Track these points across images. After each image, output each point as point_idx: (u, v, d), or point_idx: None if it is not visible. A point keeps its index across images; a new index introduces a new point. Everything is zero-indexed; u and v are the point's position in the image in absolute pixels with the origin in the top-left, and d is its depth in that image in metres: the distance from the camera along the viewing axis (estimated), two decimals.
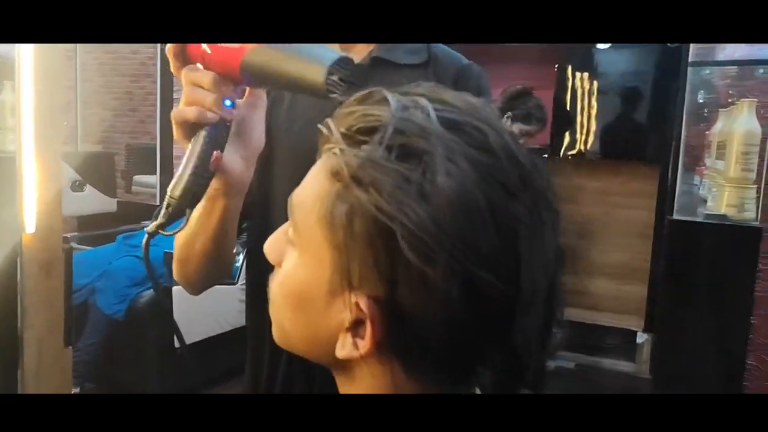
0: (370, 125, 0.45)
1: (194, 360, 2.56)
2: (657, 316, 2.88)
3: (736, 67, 2.11)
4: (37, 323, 1.23)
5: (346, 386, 0.53)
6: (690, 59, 1.78)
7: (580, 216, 3.24)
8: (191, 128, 0.74)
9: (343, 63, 0.65)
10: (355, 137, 0.45)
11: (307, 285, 0.49)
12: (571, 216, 3.29)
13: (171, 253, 2.68)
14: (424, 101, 0.47)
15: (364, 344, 0.45)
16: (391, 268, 0.43)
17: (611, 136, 3.21)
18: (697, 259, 1.75)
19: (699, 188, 2.34)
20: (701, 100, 2.22)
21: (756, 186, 1.81)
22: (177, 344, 1.18)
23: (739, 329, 1.76)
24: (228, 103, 0.75)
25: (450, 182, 0.41)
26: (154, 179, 4.48)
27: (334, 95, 0.65)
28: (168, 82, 4.34)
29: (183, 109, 0.74)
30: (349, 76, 0.66)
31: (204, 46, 0.72)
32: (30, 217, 1.16)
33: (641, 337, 3.15)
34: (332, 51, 0.67)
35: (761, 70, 1.88)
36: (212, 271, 0.95)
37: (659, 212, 3.00)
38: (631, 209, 3.24)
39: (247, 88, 0.78)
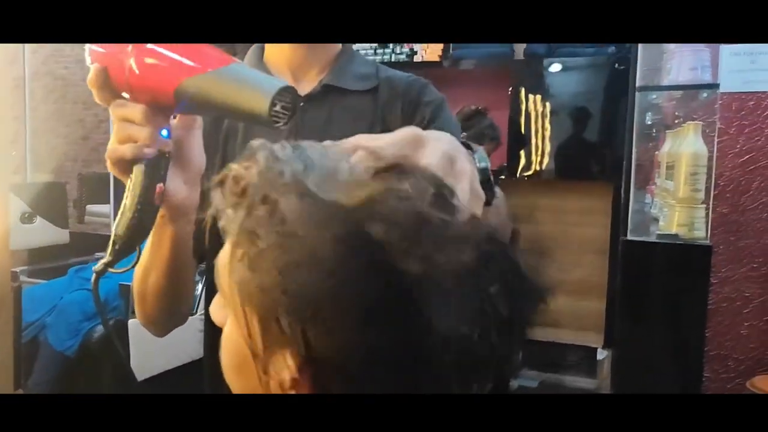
0: (240, 188, 0.44)
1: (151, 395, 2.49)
2: (616, 333, 2.94)
3: (680, 90, 2.19)
4: None
5: None
6: (637, 84, 1.84)
7: (538, 235, 3.29)
8: (128, 165, 0.73)
9: (286, 91, 0.65)
10: (233, 199, 0.44)
11: (237, 351, 0.47)
12: (530, 235, 3.35)
13: (127, 286, 2.64)
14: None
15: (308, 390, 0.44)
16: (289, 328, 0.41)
17: (565, 156, 3.28)
18: (652, 278, 1.80)
19: (651, 207, 2.41)
20: (649, 122, 2.29)
21: (705, 205, 1.87)
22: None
23: (695, 342, 1.80)
24: (164, 133, 0.73)
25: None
26: (107, 208, 4.38)
27: (278, 125, 0.65)
28: None
29: (117, 148, 0.72)
30: (292, 105, 0.66)
31: (132, 65, 0.69)
32: None
33: (601, 354, 3.20)
34: (273, 79, 0.67)
35: (705, 94, 1.95)
36: (172, 309, 0.92)
37: (614, 229, 3.07)
38: (586, 227, 3.30)
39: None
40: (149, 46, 0.68)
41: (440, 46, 3.33)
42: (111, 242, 0.74)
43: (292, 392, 0.45)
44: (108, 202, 4.32)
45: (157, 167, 0.74)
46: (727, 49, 3.06)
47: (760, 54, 3.06)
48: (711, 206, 2.03)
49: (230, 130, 1.02)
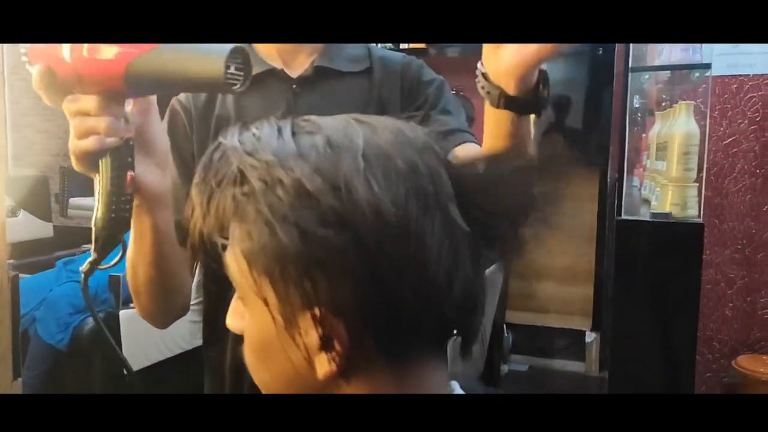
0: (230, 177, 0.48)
1: (144, 386, 2.48)
2: (605, 315, 2.98)
3: (668, 72, 2.21)
4: None
5: None
6: (630, 65, 1.87)
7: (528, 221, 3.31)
8: (93, 158, 0.71)
9: (237, 52, 0.65)
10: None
11: (266, 328, 0.49)
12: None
13: (116, 277, 2.60)
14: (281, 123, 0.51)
15: (338, 346, 0.46)
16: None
17: (552, 143, 3.31)
18: (646, 256, 1.83)
19: (641, 189, 2.44)
20: (636, 105, 2.31)
21: (696, 184, 1.90)
22: (125, 371, 1.16)
23: (689, 320, 1.84)
24: (122, 121, 0.72)
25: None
26: (91, 201, 4.34)
27: (235, 87, 0.66)
28: None
29: (78, 143, 0.71)
30: (245, 66, 0.66)
31: (77, 56, 0.68)
32: None
33: (589, 336, 3.24)
34: (221, 45, 0.66)
35: (696, 74, 1.98)
36: (167, 301, 0.91)
37: (601, 215, 3.10)
38: (574, 213, 3.33)
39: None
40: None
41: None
42: (93, 239, 0.74)
43: (324, 356, 0.47)
44: (92, 195, 4.29)
45: (122, 156, 0.73)
46: None
47: None
48: (704, 185, 2.06)
49: (221, 118, 0.99)
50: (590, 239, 3.29)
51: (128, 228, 0.76)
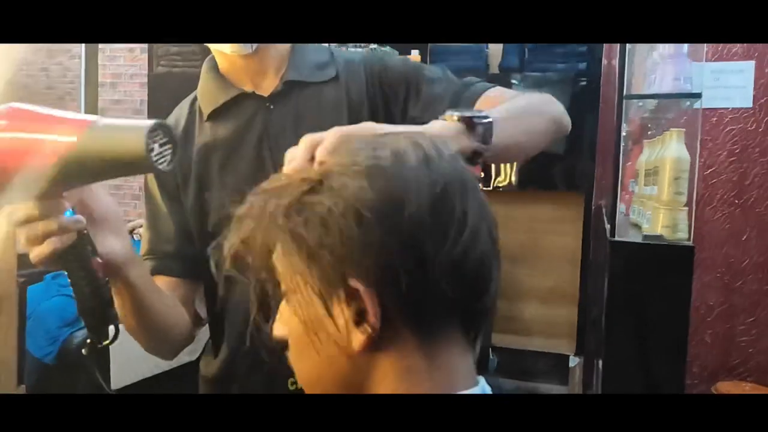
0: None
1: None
2: (588, 337, 3.02)
3: (654, 101, 2.29)
4: None
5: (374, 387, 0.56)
6: (625, 92, 1.94)
7: (510, 244, 3.36)
8: (55, 258, 0.71)
9: (157, 129, 0.63)
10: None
11: (307, 318, 0.54)
12: (502, 244, 3.40)
13: None
14: None
15: (372, 321, 0.51)
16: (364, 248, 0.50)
17: (538, 167, 3.36)
18: (638, 277, 1.88)
19: (627, 215, 2.50)
20: (624, 133, 2.38)
21: (687, 208, 1.97)
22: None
23: (679, 341, 1.89)
24: (68, 212, 0.71)
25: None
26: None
27: (163, 165, 0.64)
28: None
29: (36, 250, 0.70)
30: (170, 140, 0.64)
31: None
32: None
33: (573, 361, 3.27)
34: (139, 122, 0.64)
35: (687, 102, 2.06)
36: (164, 338, 0.94)
37: (585, 238, 3.16)
38: (558, 235, 3.39)
39: None
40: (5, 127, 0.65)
41: (417, 59, 3.40)
42: (85, 325, 0.75)
43: (358, 329, 0.51)
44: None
45: (83, 246, 0.72)
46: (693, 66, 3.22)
47: (722, 72, 3.22)
48: (694, 209, 2.13)
49: (202, 146, 1.01)
50: (575, 262, 3.34)
51: (112, 303, 0.77)
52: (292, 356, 0.58)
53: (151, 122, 0.62)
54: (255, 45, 0.96)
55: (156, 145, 0.62)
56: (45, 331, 2.46)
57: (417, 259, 0.50)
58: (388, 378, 0.54)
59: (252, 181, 0.94)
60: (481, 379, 0.58)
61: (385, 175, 0.51)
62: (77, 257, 0.71)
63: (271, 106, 1.00)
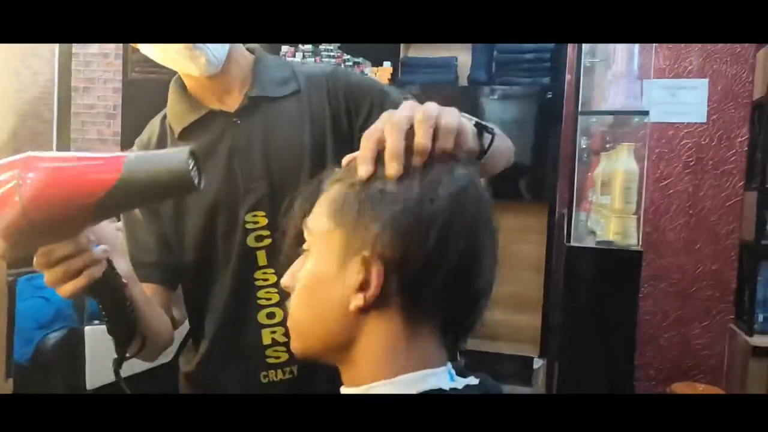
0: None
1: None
2: (551, 340, 3.13)
3: (611, 116, 2.43)
4: None
5: (351, 367, 0.65)
6: (580, 109, 2.06)
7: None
8: (89, 288, 0.76)
9: (192, 156, 0.69)
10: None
11: (320, 272, 0.64)
12: None
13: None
14: None
15: (374, 290, 0.60)
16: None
17: (502, 178, 3.47)
18: (590, 281, 2.00)
19: (586, 223, 2.63)
20: (583, 146, 2.51)
21: (636, 216, 2.10)
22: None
23: (628, 335, 2.00)
24: (95, 245, 0.76)
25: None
26: None
27: (199, 184, 0.70)
28: (65, 120, 4.24)
29: (71, 284, 0.74)
30: (198, 162, 0.71)
31: (29, 207, 0.66)
32: None
33: (537, 363, 3.39)
34: (173, 153, 0.70)
35: (636, 119, 2.19)
36: (156, 345, 0.98)
37: (549, 246, 3.27)
38: (523, 244, 3.50)
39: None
40: (37, 182, 0.67)
41: (389, 70, 3.49)
42: (115, 344, 0.81)
43: (359, 294, 0.61)
44: None
45: (111, 273, 0.78)
46: (649, 83, 3.38)
47: (680, 89, 3.39)
48: (642, 217, 2.26)
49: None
50: (538, 269, 3.45)
51: (137, 320, 0.83)
52: (293, 305, 0.67)
53: (186, 148, 0.69)
54: (221, 65, 1.02)
55: (194, 170, 0.69)
56: (20, 332, 2.47)
57: (427, 257, 0.60)
58: (370, 345, 0.62)
59: (224, 191, 1.02)
60: (449, 364, 0.67)
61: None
62: (107, 284, 0.77)
63: (238, 121, 1.06)
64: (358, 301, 0.61)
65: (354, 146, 1.06)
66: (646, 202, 3.41)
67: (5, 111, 4.61)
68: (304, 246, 0.67)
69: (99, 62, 4.20)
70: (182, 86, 1.10)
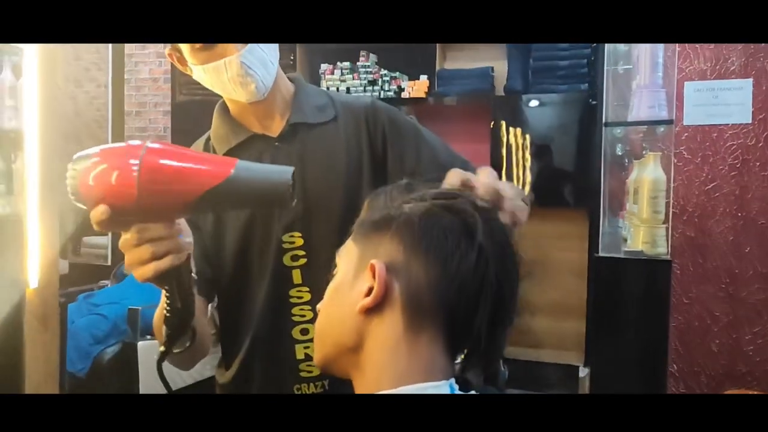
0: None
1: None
2: (591, 347, 3.11)
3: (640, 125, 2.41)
4: (35, 375, 1.33)
5: (360, 375, 0.70)
6: (604, 120, 2.07)
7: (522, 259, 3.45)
8: (169, 274, 0.79)
9: (294, 175, 0.76)
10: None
11: (339, 283, 0.72)
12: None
13: (135, 310, 2.79)
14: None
15: (376, 290, 0.66)
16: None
17: (543, 185, 3.46)
18: (621, 290, 1.99)
19: (622, 230, 2.61)
20: (620, 153, 2.50)
21: (665, 225, 2.08)
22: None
23: (660, 344, 1.99)
24: (181, 235, 0.80)
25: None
26: (104, 240, 4.50)
27: (294, 201, 0.76)
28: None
29: (152, 265, 0.77)
30: (295, 183, 0.77)
31: (143, 189, 0.72)
32: (32, 274, 1.28)
33: (582, 371, 3.36)
34: (278, 169, 0.76)
35: (662, 128, 2.18)
36: (197, 351, 1.03)
37: (591, 253, 3.25)
38: (565, 251, 3.48)
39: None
40: (158, 162, 0.73)
41: (426, 83, 3.54)
42: (166, 336, 0.84)
43: (366, 299, 0.67)
44: (105, 234, 4.46)
45: (186, 265, 0.82)
46: (691, 86, 3.32)
47: (721, 90, 3.32)
48: (670, 226, 2.24)
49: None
50: (581, 276, 3.42)
51: (193, 316, 0.86)
52: (319, 318, 0.75)
53: (291, 168, 0.76)
54: (268, 92, 1.09)
55: (292, 186, 0.76)
56: (77, 347, 2.63)
57: (431, 271, 0.66)
58: (375, 348, 0.68)
59: (262, 213, 1.09)
60: (451, 380, 0.69)
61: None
62: (180, 274, 0.80)
63: (279, 145, 1.13)
64: (364, 302, 0.67)
65: (387, 173, 1.14)
66: (692, 208, 3.37)
67: (64, 134, 4.86)
68: (334, 271, 0.74)
69: (149, 86, 4.39)
70: (226, 110, 1.17)
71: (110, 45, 4.39)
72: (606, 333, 2.04)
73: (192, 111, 3.88)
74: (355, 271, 0.70)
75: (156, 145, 0.74)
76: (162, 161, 0.73)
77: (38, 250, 1.29)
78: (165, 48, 1.09)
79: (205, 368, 2.68)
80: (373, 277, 0.66)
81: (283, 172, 0.75)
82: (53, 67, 1.35)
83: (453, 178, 0.79)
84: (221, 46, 1.02)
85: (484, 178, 0.81)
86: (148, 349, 2.49)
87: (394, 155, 1.14)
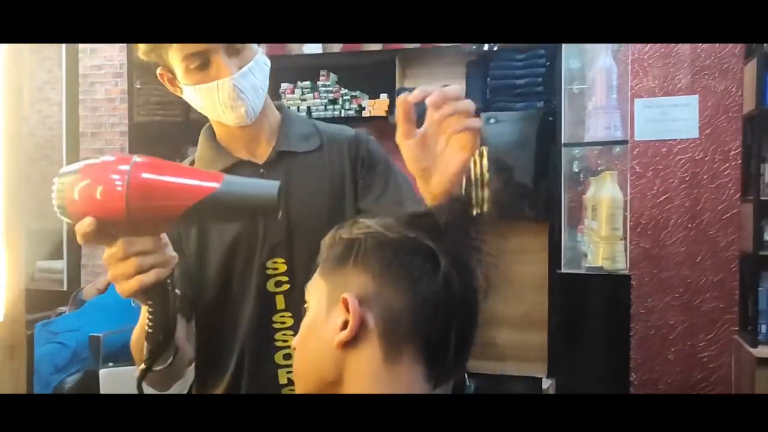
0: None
1: None
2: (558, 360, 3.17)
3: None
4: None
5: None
6: (563, 141, 2.13)
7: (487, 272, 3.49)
8: (153, 289, 0.80)
9: (281, 188, 0.78)
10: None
11: (312, 320, 0.73)
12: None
13: (96, 337, 2.74)
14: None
15: (352, 323, 0.67)
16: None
17: (504, 200, 3.51)
18: (583, 305, 2.05)
19: (581, 244, 2.69)
20: (576, 169, 2.58)
21: (623, 241, 2.16)
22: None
23: (622, 356, 2.05)
24: (167, 248, 0.81)
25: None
26: (60, 264, 4.39)
27: (280, 213, 0.78)
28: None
29: (141, 278, 0.78)
30: (281, 196, 0.79)
31: (130, 205, 0.73)
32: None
33: (546, 383, 3.41)
34: (264, 182, 0.79)
35: (617, 149, 2.26)
36: (174, 372, 1.04)
37: (551, 265, 3.31)
38: (525, 264, 3.53)
39: None
40: (145, 176, 0.74)
41: (386, 102, 3.58)
42: (147, 352, 0.83)
43: (342, 333, 0.68)
44: (60, 258, 4.35)
45: (171, 279, 0.82)
46: (641, 102, 3.45)
47: (669, 106, 3.46)
48: (628, 242, 2.32)
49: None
50: (543, 288, 3.47)
51: (175, 334, 0.85)
52: (296, 356, 0.76)
53: (278, 182, 0.78)
54: (256, 116, 1.11)
55: (279, 198, 0.77)
56: (38, 377, 2.56)
57: (401, 298, 0.67)
58: (355, 379, 0.69)
59: (245, 233, 1.10)
60: None
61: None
62: (164, 289, 0.81)
63: (264, 173, 1.14)
64: (340, 337, 0.68)
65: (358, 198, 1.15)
66: (645, 220, 3.48)
67: (17, 154, 4.74)
68: (305, 306, 0.75)
69: (105, 107, 4.32)
70: (212, 135, 1.18)
71: (64, 63, 4.32)
72: (569, 345, 2.09)
73: (151, 132, 3.82)
74: (327, 306, 0.71)
75: (142, 159, 0.75)
76: (150, 175, 0.74)
77: (5, 282, 1.27)
78: (158, 70, 1.10)
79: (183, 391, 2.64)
80: (347, 310, 0.68)
81: (270, 185, 0.78)
82: (18, 87, 1.33)
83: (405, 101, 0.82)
84: (215, 69, 1.03)
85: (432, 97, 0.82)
86: (110, 377, 2.44)
87: (363, 184, 1.17)
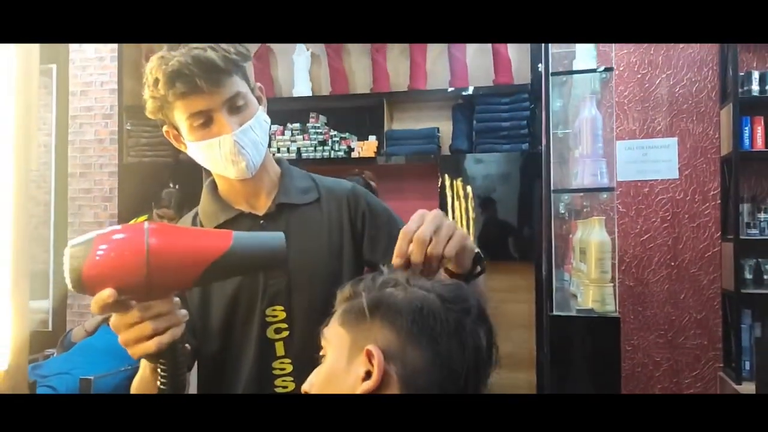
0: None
1: None
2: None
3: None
4: None
5: None
6: (552, 187, 2.21)
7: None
8: (168, 349, 0.82)
9: (286, 240, 0.83)
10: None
11: (331, 367, 0.77)
12: None
13: (87, 380, 2.71)
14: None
15: (375, 375, 0.71)
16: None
17: (489, 238, 3.57)
18: (574, 347, 2.09)
19: (570, 284, 2.74)
20: (562, 210, 2.65)
21: (612, 284, 2.22)
22: None
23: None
24: (178, 308, 0.83)
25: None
26: (46, 304, 4.35)
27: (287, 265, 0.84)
28: (62, 204, 4.36)
29: (154, 342, 0.80)
30: (287, 249, 0.83)
31: (150, 273, 0.75)
32: (3, 357, 1.27)
33: None
34: (268, 235, 0.83)
35: (604, 195, 2.34)
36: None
37: (538, 304, 3.36)
38: (514, 303, 3.58)
39: None
40: (162, 242, 0.76)
41: (374, 143, 3.65)
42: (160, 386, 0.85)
43: (364, 383, 0.71)
44: (46, 298, 4.31)
45: (183, 338, 0.85)
46: (623, 144, 3.56)
47: (650, 148, 3.57)
48: (617, 284, 2.38)
49: None
50: (530, 328, 3.51)
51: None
52: (321, 381, 0.78)
53: (281, 233, 0.81)
54: (256, 170, 1.15)
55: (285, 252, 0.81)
56: None
57: (423, 354, 0.71)
58: None
59: (246, 283, 1.13)
60: None
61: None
62: (176, 346, 0.81)
63: (264, 224, 1.19)
64: (363, 387, 0.71)
65: (362, 253, 1.20)
66: (629, 258, 3.55)
67: (3, 194, 4.71)
68: (321, 353, 0.79)
69: (95, 148, 4.35)
70: (214, 189, 1.23)
71: (54, 106, 4.36)
72: (559, 385, 2.12)
73: (140, 173, 3.85)
74: (349, 355, 0.74)
75: (154, 226, 0.78)
76: (166, 240, 0.76)
77: (11, 329, 1.29)
78: (163, 127, 1.15)
79: None
80: (370, 362, 0.71)
81: (276, 237, 0.81)
82: (28, 140, 1.36)
83: (395, 260, 0.86)
84: (217, 126, 1.08)
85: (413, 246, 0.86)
86: None
87: (368, 237, 1.22)
